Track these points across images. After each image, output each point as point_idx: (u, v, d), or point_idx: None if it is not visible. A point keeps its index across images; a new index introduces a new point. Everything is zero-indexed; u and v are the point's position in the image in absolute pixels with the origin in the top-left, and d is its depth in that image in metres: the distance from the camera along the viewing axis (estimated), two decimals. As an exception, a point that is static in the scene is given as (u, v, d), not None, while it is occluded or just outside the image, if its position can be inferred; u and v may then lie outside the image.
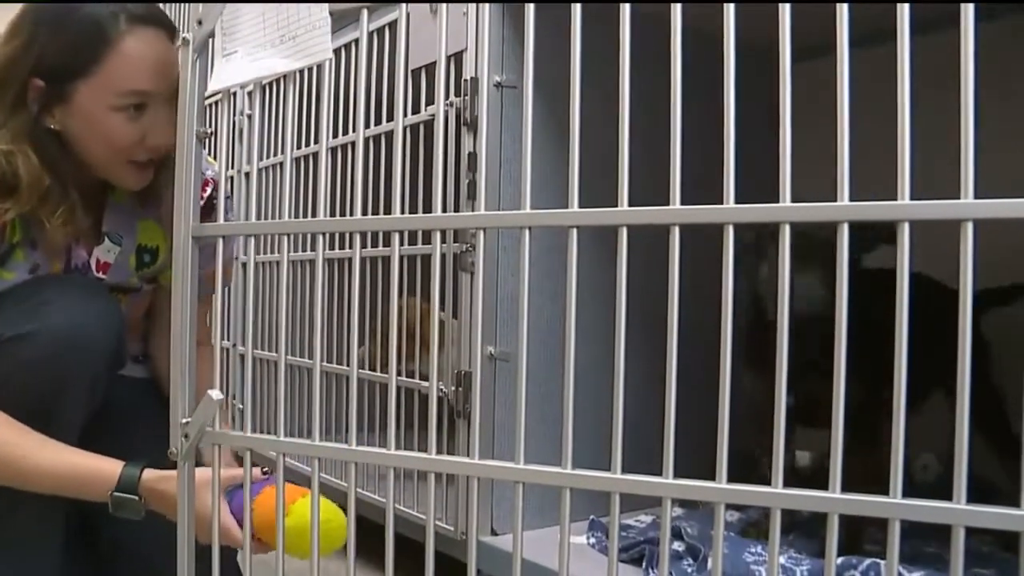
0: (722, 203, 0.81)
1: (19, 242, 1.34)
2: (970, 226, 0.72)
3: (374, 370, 1.77)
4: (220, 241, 1.10)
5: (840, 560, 1.34)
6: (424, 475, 0.98)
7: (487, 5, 0.96)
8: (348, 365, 1.03)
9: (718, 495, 0.81)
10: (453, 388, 1.47)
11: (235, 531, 1.16)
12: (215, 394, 1.07)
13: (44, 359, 1.29)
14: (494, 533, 1.52)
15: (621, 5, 0.86)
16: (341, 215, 1.65)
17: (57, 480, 1.27)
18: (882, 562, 1.06)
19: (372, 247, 1.69)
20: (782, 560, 1.42)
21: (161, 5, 2.38)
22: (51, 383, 1.30)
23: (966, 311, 0.72)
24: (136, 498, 1.25)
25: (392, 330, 1.00)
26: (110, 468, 1.27)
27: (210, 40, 1.10)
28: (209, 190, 1.42)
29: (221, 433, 1.08)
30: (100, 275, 1.45)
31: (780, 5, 0.79)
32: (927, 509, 0.75)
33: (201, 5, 1.09)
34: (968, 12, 0.72)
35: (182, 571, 1.14)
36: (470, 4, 1.44)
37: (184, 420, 1.09)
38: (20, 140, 1.30)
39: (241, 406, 2.25)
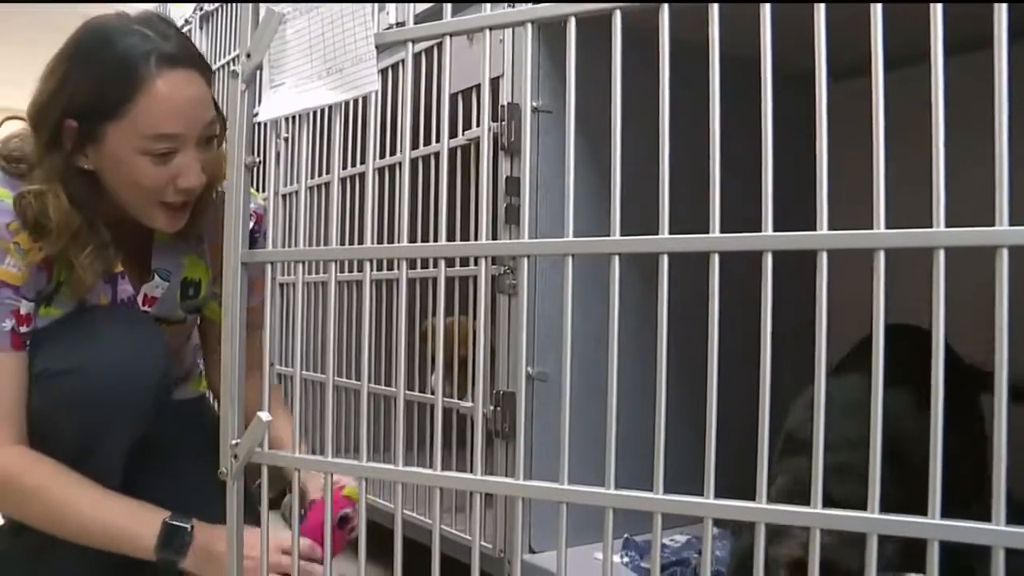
0: (760, 231, 0.83)
1: (66, 280, 1.36)
2: (1005, 252, 0.74)
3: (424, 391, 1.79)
4: (268, 267, 1.14)
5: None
6: (466, 496, 1.00)
7: (528, 31, 0.98)
8: (395, 386, 1.06)
9: (759, 515, 0.83)
10: (492, 408, 1.50)
11: None
12: (264, 416, 1.10)
13: (91, 394, 1.31)
14: (532, 551, 1.54)
15: (660, 7, 0.88)
16: (386, 237, 1.67)
17: (102, 527, 1.30)
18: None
19: (413, 268, 1.72)
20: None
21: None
22: (98, 417, 1.33)
23: (1002, 337, 0.74)
24: (188, 528, 1.29)
25: (440, 351, 1.02)
26: (162, 514, 1.31)
27: (258, 72, 1.13)
28: (252, 223, 1.43)
29: (270, 454, 1.11)
30: (146, 308, 1.47)
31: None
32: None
33: (250, 39, 1.13)
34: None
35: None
36: (506, 31, 1.48)
37: (234, 441, 1.12)
38: (52, 180, 1.30)
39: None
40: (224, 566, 1.26)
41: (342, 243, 1.72)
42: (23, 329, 1.31)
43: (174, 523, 1.29)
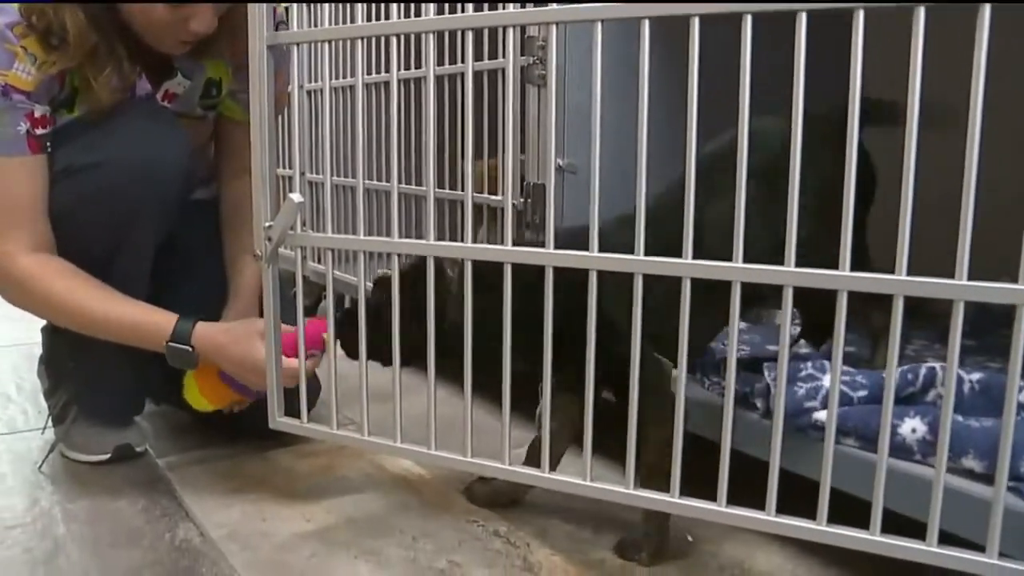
0: None
1: (81, 91, 1.33)
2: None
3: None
4: (295, 49, 1.13)
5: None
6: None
7: None
8: (424, 185, 1.05)
9: (785, 278, 0.85)
10: (522, 200, 1.51)
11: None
12: (296, 197, 1.11)
13: (118, 187, 1.32)
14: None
15: None
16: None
17: (116, 331, 1.34)
18: (938, 365, 1.09)
19: (439, 65, 1.69)
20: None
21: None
22: (125, 210, 1.35)
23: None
24: (190, 349, 1.31)
25: (468, 146, 1.02)
26: (165, 321, 1.33)
27: None
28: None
29: (304, 235, 1.13)
30: (166, 103, 1.47)
31: None
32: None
33: None
34: None
35: (270, 382, 1.22)
36: None
37: (267, 224, 1.13)
38: None
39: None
40: (233, 360, 1.31)
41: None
42: (39, 131, 1.30)
43: (174, 344, 1.32)
